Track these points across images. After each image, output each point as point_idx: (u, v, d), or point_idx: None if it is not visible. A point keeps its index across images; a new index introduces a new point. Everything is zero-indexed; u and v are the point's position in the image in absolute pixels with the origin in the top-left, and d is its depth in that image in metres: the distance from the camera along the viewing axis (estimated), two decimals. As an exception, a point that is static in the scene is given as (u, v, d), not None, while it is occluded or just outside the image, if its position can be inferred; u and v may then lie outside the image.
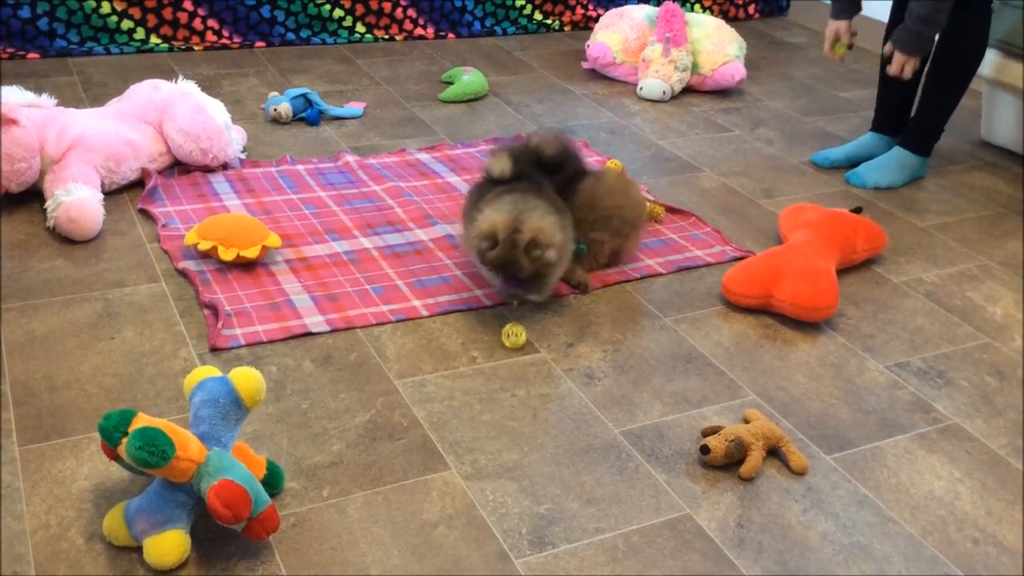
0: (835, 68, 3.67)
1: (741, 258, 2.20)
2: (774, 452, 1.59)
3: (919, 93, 2.65)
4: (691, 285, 2.09)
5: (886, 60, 2.53)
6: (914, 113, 2.65)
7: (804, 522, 1.46)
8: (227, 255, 1.96)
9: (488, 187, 1.97)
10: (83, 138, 2.15)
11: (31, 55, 3.08)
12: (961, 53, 2.52)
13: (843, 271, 2.17)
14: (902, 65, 2.46)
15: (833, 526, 1.46)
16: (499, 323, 1.90)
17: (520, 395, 1.70)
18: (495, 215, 1.82)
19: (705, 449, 1.54)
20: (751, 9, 4.25)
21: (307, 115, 2.74)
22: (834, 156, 2.75)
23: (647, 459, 1.57)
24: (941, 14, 2.37)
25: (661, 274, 2.13)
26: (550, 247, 1.81)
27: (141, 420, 1.26)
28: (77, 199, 2.04)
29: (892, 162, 2.65)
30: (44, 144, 2.13)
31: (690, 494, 1.50)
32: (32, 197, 2.18)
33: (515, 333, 1.80)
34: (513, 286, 1.87)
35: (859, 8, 2.63)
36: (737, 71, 3.23)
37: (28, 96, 2.21)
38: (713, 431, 1.60)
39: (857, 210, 2.29)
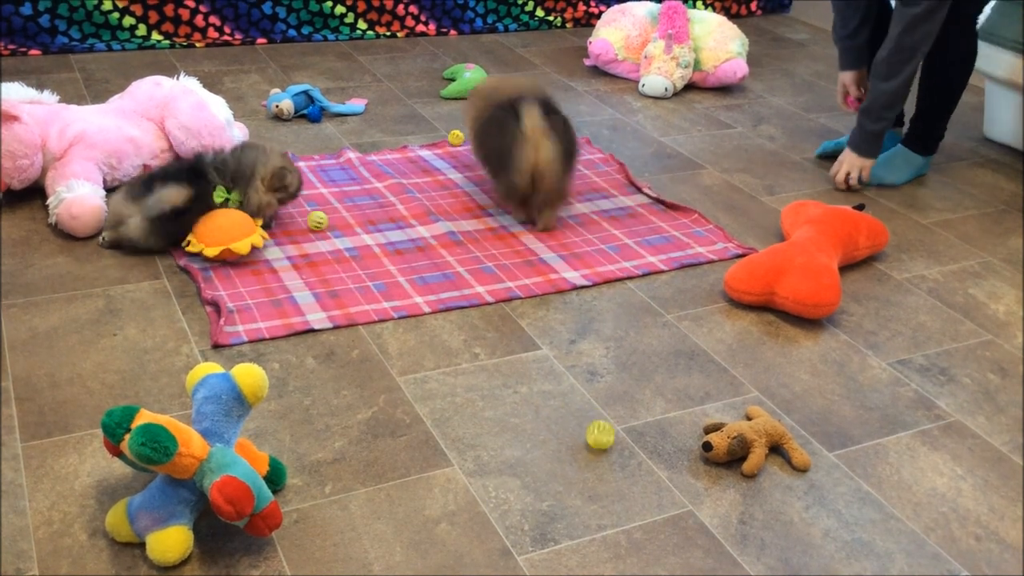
0: (837, 65, 3.66)
1: (743, 255, 2.20)
2: (776, 449, 1.59)
3: (919, 91, 2.64)
4: (693, 282, 2.09)
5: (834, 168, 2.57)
6: (914, 115, 2.64)
7: (806, 519, 1.46)
8: (212, 252, 1.95)
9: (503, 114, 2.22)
10: (85, 135, 2.15)
11: (33, 52, 3.08)
12: (953, 60, 2.51)
13: (845, 268, 2.17)
14: (859, 169, 2.52)
15: (835, 523, 1.46)
16: (501, 320, 1.90)
17: (522, 392, 1.70)
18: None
19: (707, 446, 1.54)
20: (753, 6, 4.24)
21: (309, 112, 2.73)
22: (837, 144, 2.74)
23: (649, 456, 1.57)
24: (899, 100, 2.41)
25: (663, 271, 2.13)
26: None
27: (144, 416, 1.26)
28: (79, 196, 2.04)
29: (897, 159, 2.64)
30: (46, 141, 2.13)
31: (692, 491, 1.50)
32: (34, 194, 2.18)
33: (603, 431, 1.57)
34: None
35: (865, 62, 2.62)
36: (739, 68, 3.23)
37: (30, 93, 2.21)
38: (715, 428, 1.60)
39: (859, 207, 2.28)
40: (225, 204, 2.03)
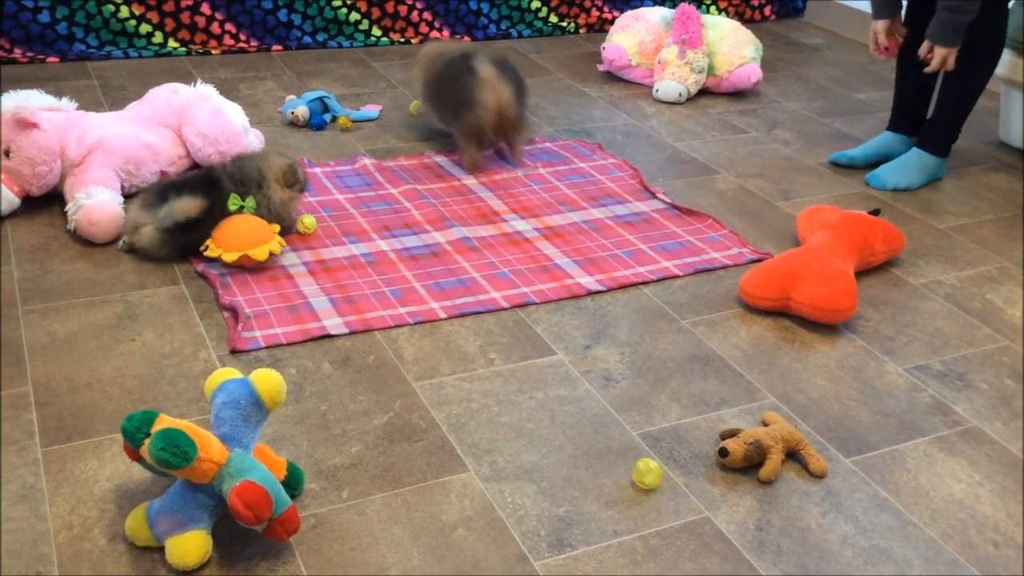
0: (852, 69, 3.66)
1: (759, 260, 2.20)
2: (793, 455, 1.59)
3: (936, 93, 2.64)
4: (708, 287, 2.09)
5: (922, 62, 2.51)
6: (931, 114, 2.64)
7: (824, 525, 1.46)
8: (230, 257, 1.97)
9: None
10: (103, 141, 2.17)
11: (50, 59, 3.11)
12: (978, 53, 2.51)
13: (861, 273, 2.16)
14: (944, 58, 2.45)
15: (853, 529, 1.46)
16: (516, 325, 1.90)
17: (538, 397, 1.70)
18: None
19: (724, 452, 1.54)
20: (767, 11, 4.24)
21: (312, 122, 2.74)
22: (852, 154, 2.74)
23: (665, 461, 1.57)
24: (974, 1, 2.36)
25: (678, 276, 2.13)
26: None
27: (163, 421, 1.27)
28: (97, 202, 2.06)
29: (911, 163, 2.63)
30: (65, 148, 2.15)
31: (709, 497, 1.50)
32: (53, 200, 2.20)
33: (650, 470, 1.51)
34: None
35: (898, 9, 2.61)
36: (753, 73, 3.23)
37: (49, 100, 2.22)
38: (731, 434, 1.60)
39: (875, 212, 2.28)
40: (240, 212, 2.04)
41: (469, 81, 2.45)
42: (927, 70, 2.50)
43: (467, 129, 2.49)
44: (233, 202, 2.02)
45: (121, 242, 2.05)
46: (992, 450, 1.65)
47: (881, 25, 2.61)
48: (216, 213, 2.02)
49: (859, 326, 1.99)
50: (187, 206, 1.97)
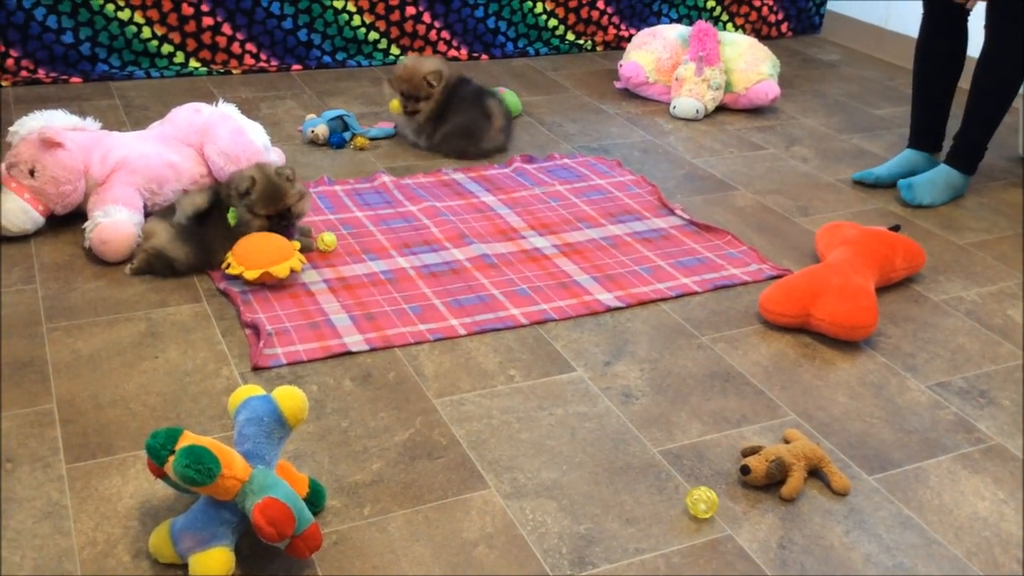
0: (869, 85, 3.66)
1: (778, 276, 2.20)
2: (815, 473, 1.58)
3: (964, 110, 2.63)
4: (728, 304, 2.09)
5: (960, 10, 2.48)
6: (959, 131, 2.63)
7: (847, 543, 1.45)
8: (252, 275, 1.98)
9: None
10: (127, 161, 2.19)
11: (74, 79, 3.15)
12: (1003, 68, 2.50)
13: (882, 289, 2.15)
14: None
15: (876, 548, 1.45)
16: (536, 342, 1.90)
17: (558, 414, 1.70)
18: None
19: (745, 469, 1.53)
20: (784, 27, 4.25)
21: (332, 140, 2.77)
22: (878, 173, 2.73)
23: (686, 479, 1.56)
24: None
25: (697, 293, 2.12)
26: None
27: (188, 438, 1.28)
28: (112, 221, 2.07)
29: (939, 180, 2.63)
30: (89, 167, 2.17)
31: (731, 515, 1.49)
32: (78, 219, 2.22)
33: (705, 500, 1.47)
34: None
35: None
36: (771, 89, 3.23)
37: (73, 120, 2.25)
38: (753, 451, 1.59)
39: (895, 228, 2.27)
40: (238, 227, 2.07)
41: (479, 114, 2.80)
42: (969, 4, 2.45)
43: (480, 154, 2.79)
44: (231, 216, 2.08)
45: (128, 266, 2.06)
46: (1016, 467, 1.64)
47: None
48: (222, 216, 2.07)
49: (880, 343, 1.98)
50: (195, 200, 2.06)
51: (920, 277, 2.25)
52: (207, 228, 2.06)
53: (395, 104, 2.79)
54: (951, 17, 2.57)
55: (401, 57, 2.88)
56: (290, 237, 2.11)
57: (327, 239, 2.18)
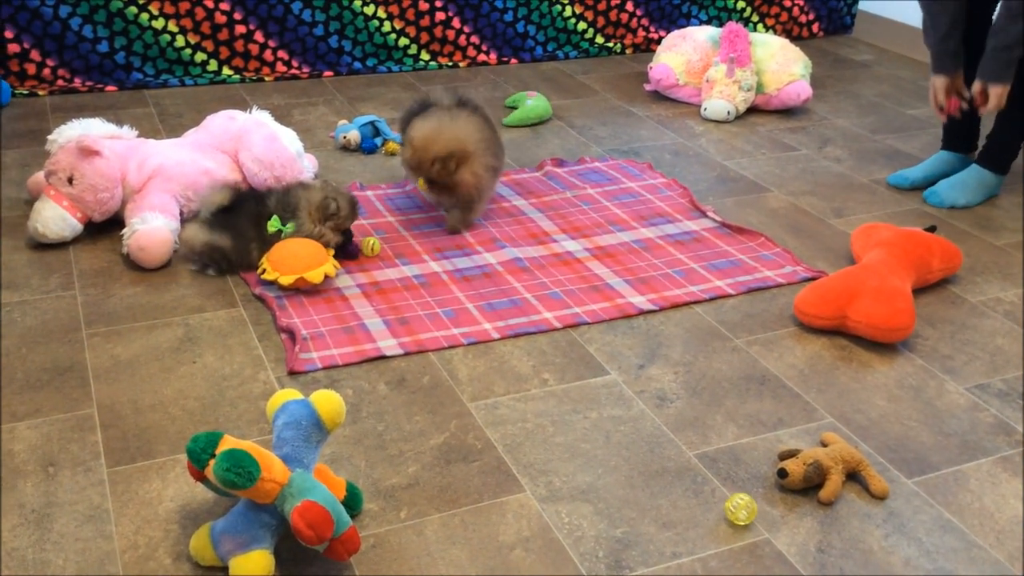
0: (902, 85, 3.63)
1: (813, 278, 2.18)
2: (853, 476, 1.57)
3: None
4: (762, 306, 2.08)
5: (971, 99, 2.46)
6: (992, 131, 2.59)
7: (886, 547, 1.44)
8: (287, 280, 2.00)
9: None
10: (163, 168, 2.22)
11: (109, 88, 3.19)
12: None
13: (918, 291, 2.13)
14: (999, 96, 2.38)
15: (916, 551, 1.43)
16: (569, 345, 1.90)
17: (592, 417, 1.70)
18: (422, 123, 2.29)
19: (783, 473, 1.52)
20: (815, 27, 4.22)
21: (363, 146, 2.80)
22: (912, 176, 2.70)
23: (723, 482, 1.56)
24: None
25: (731, 295, 2.11)
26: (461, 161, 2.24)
27: (228, 442, 1.29)
28: (149, 228, 2.10)
29: (970, 180, 2.60)
30: (126, 175, 2.20)
31: (768, 518, 1.48)
32: (115, 226, 2.25)
33: (745, 507, 1.46)
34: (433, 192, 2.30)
35: (959, 67, 2.50)
36: (803, 90, 3.21)
37: (110, 128, 2.28)
38: (790, 454, 1.58)
39: (931, 229, 2.25)
40: (278, 235, 2.08)
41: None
42: (983, 111, 2.43)
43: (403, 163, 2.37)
44: (272, 224, 2.08)
45: (190, 269, 2.13)
46: (1059, 471, 1.61)
47: (940, 82, 2.52)
48: (247, 212, 2.11)
49: (917, 344, 1.96)
50: (217, 195, 2.14)
51: (957, 278, 2.23)
52: (236, 220, 2.11)
53: (421, 184, 2.35)
54: (980, 40, 2.52)
55: (414, 131, 2.30)
56: (354, 255, 2.18)
57: (371, 243, 2.19)
